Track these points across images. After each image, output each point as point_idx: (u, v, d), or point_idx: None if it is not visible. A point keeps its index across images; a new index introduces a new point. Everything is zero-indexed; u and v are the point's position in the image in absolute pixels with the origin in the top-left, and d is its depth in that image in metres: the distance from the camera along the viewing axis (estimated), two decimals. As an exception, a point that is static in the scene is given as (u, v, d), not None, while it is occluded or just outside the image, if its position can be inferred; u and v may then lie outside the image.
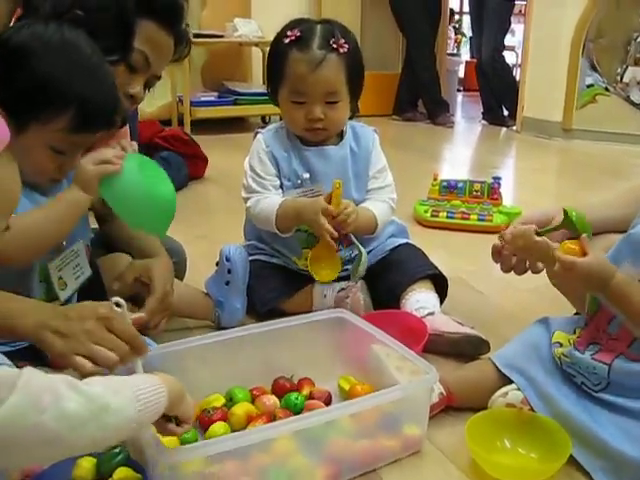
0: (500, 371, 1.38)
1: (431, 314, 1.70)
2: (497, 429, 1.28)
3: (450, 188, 2.83)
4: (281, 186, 1.81)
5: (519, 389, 1.34)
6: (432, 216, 2.73)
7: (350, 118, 1.84)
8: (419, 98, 5.88)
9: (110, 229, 1.67)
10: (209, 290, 1.78)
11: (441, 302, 1.80)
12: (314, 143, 1.80)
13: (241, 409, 1.32)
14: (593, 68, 5.03)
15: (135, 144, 1.38)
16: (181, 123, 4.98)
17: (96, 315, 1.10)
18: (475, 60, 6.36)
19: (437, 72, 5.76)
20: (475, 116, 6.13)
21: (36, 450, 0.81)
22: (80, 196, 1.27)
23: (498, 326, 1.82)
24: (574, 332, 1.35)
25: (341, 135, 1.84)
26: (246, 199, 1.81)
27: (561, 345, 1.33)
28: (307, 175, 1.79)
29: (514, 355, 1.38)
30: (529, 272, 1.51)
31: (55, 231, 1.28)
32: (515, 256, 1.50)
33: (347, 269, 1.82)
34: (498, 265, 1.56)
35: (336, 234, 1.68)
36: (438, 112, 5.70)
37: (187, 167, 3.38)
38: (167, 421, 1.03)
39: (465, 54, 8.82)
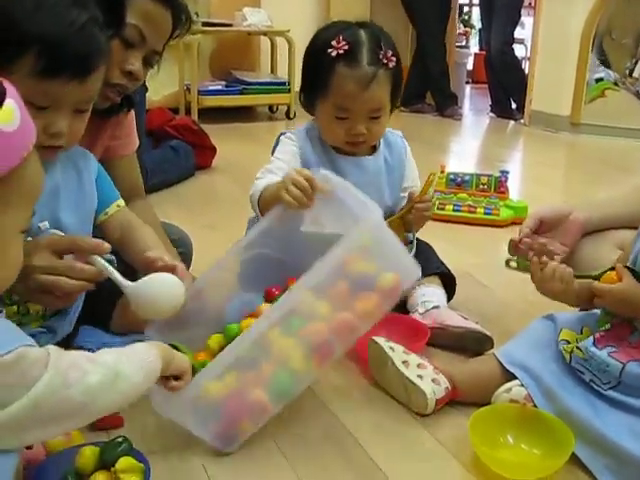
0: (504, 367, 1.37)
1: (436, 307, 1.70)
2: (500, 425, 1.28)
3: (457, 181, 2.82)
4: None
5: (523, 385, 1.33)
6: (438, 209, 2.72)
7: None
8: (428, 90, 5.86)
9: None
10: None
11: (449, 300, 1.80)
12: (346, 154, 1.73)
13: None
14: (602, 63, 5.01)
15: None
16: (189, 112, 4.98)
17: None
18: (484, 52, 6.32)
19: (447, 64, 5.74)
20: (483, 109, 6.10)
21: (64, 421, 0.89)
22: None
23: (503, 320, 1.82)
24: (581, 331, 1.34)
25: (374, 145, 1.78)
26: (257, 178, 1.67)
27: (568, 343, 1.33)
28: None
29: (518, 352, 1.38)
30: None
31: None
32: (532, 250, 1.50)
33: None
34: (503, 259, 1.57)
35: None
36: (447, 104, 5.68)
37: (195, 156, 3.37)
38: (166, 380, 1.09)
39: (474, 46, 8.78)
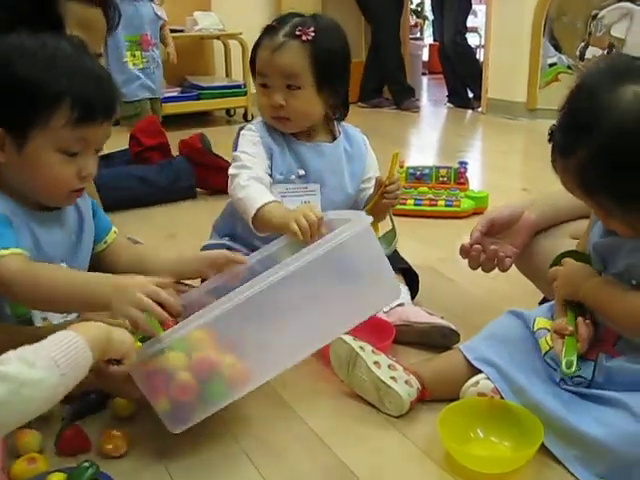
0: (471, 362, 1.38)
1: (401, 305, 1.70)
2: (469, 419, 1.28)
3: (416, 175, 2.83)
4: (271, 177, 1.73)
5: (489, 378, 1.34)
6: (400, 204, 2.71)
7: (340, 119, 1.84)
8: (384, 85, 5.88)
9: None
10: None
11: (413, 297, 1.80)
12: (307, 138, 1.79)
13: None
14: (555, 47, 5.06)
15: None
16: (145, 120, 4.93)
17: None
18: (438, 43, 6.36)
19: (402, 58, 5.76)
20: (441, 99, 6.12)
21: None
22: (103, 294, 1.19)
23: (470, 314, 1.82)
24: (552, 317, 1.35)
25: (333, 134, 1.83)
26: (232, 178, 1.69)
27: (548, 331, 1.32)
28: (302, 172, 1.76)
29: (484, 347, 1.38)
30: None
31: (63, 302, 1.22)
32: (483, 253, 1.51)
33: None
34: (460, 252, 1.58)
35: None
36: (404, 98, 5.69)
37: (197, 178, 3.09)
38: (107, 364, 1.09)
39: (428, 37, 8.81)
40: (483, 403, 1.30)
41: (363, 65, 5.91)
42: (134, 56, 4.43)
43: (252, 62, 1.80)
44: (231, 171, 1.71)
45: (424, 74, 7.54)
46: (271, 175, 1.74)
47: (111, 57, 4.23)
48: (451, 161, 3.24)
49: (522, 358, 1.34)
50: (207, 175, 3.03)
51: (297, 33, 1.71)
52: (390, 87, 5.84)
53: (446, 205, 2.69)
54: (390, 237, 1.76)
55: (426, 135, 5.18)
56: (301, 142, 1.78)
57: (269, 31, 1.75)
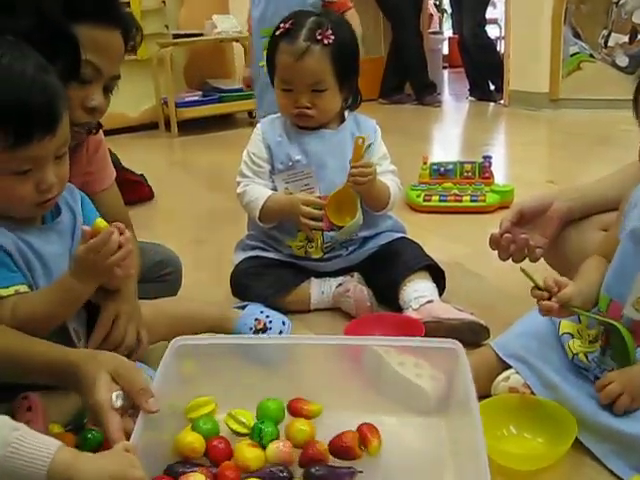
0: (501, 358, 1.37)
1: (430, 302, 1.70)
2: (502, 416, 1.28)
3: (440, 171, 2.82)
4: (273, 170, 1.86)
5: (519, 373, 1.33)
6: (425, 201, 2.72)
7: (353, 108, 1.91)
8: (406, 81, 5.86)
9: None
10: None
11: (440, 294, 1.80)
12: (312, 128, 1.85)
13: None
14: (576, 36, 5.01)
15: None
16: (168, 125, 4.97)
17: None
18: (457, 36, 6.32)
19: (424, 53, 5.73)
20: (462, 93, 6.09)
21: None
22: (75, 285, 1.24)
23: (498, 309, 1.81)
24: (579, 320, 1.34)
25: (341, 121, 1.89)
26: (237, 184, 1.88)
27: (572, 336, 1.32)
28: (299, 157, 1.83)
29: (515, 343, 1.37)
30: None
31: (60, 313, 1.27)
32: (514, 244, 1.50)
33: (339, 254, 1.88)
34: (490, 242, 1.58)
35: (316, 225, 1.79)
36: (425, 93, 5.68)
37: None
38: None
39: (447, 31, 8.76)
40: (515, 400, 1.29)
41: (383, 61, 5.90)
42: None
43: (270, 63, 1.85)
44: (237, 179, 1.89)
45: (445, 68, 7.52)
46: (273, 167, 1.85)
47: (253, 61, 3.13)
48: (475, 155, 3.22)
49: (553, 354, 1.33)
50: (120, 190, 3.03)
51: (318, 37, 1.75)
52: (412, 83, 5.82)
53: (471, 200, 2.68)
54: (353, 227, 1.84)
55: (449, 130, 5.17)
56: (303, 131, 1.86)
57: (287, 34, 1.78)
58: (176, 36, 4.94)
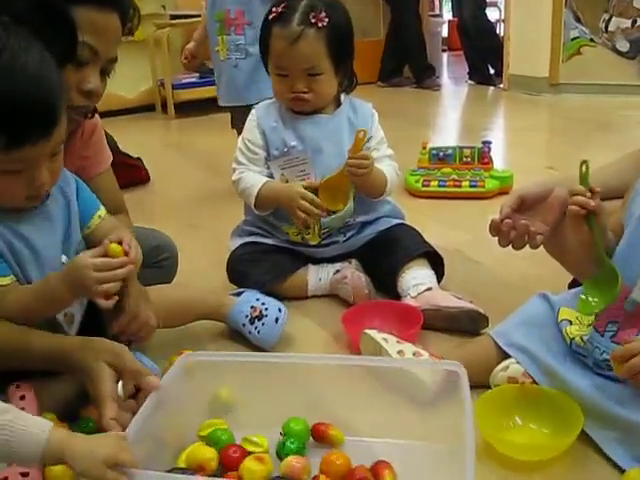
0: (501, 347, 1.36)
1: (429, 289, 1.69)
2: (506, 407, 1.26)
3: (439, 156, 2.79)
4: (268, 156, 1.84)
5: (519, 363, 1.32)
6: (423, 186, 2.70)
7: (348, 91, 1.89)
8: (405, 63, 5.81)
9: None
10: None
11: (439, 280, 1.78)
12: (307, 113, 1.83)
13: None
14: (577, 20, 4.97)
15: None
16: (165, 107, 4.93)
17: None
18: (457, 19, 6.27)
19: (423, 36, 5.68)
20: (461, 76, 6.05)
21: None
22: (59, 288, 1.21)
23: (497, 297, 1.80)
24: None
25: (337, 106, 1.87)
26: (233, 171, 1.86)
27: (571, 323, 1.30)
28: (294, 143, 1.81)
29: (515, 332, 1.36)
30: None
31: (43, 310, 1.25)
32: (514, 230, 1.48)
33: (337, 240, 1.87)
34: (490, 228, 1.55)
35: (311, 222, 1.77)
36: (424, 76, 5.63)
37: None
38: None
39: (447, 13, 8.70)
40: (519, 390, 1.28)
41: (381, 43, 5.85)
42: (223, 43, 2.84)
43: (263, 48, 1.82)
44: (232, 166, 1.87)
45: (444, 51, 7.46)
46: (268, 153, 1.83)
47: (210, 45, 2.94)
48: (474, 140, 3.19)
49: (552, 342, 1.32)
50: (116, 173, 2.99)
51: (312, 21, 1.72)
52: (411, 66, 5.78)
53: (470, 186, 2.66)
54: (345, 214, 1.82)
55: (448, 114, 5.13)
56: (298, 116, 1.83)
57: (280, 18, 1.74)
58: (173, 17, 4.89)
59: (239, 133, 2.84)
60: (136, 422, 1.06)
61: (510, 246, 1.57)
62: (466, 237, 2.26)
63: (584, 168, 1.27)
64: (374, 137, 1.86)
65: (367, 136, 1.77)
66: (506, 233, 1.52)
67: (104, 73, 1.43)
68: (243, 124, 2.74)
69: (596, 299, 1.26)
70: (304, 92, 1.77)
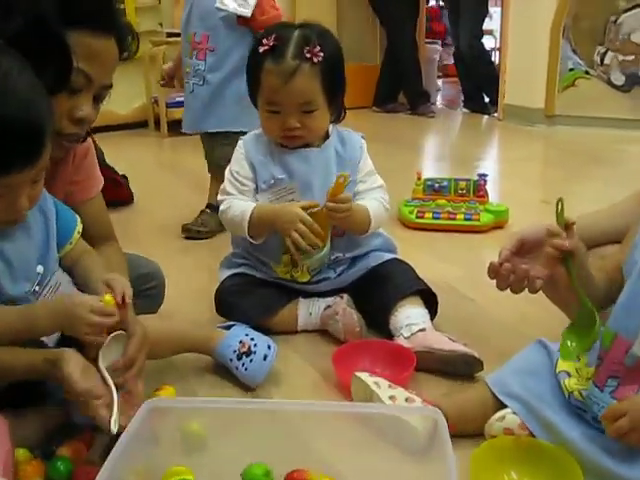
0: (497, 395, 1.31)
1: (422, 330, 1.64)
2: (501, 459, 1.21)
3: (434, 187, 2.76)
4: (257, 189, 1.78)
5: (515, 413, 1.28)
6: (417, 217, 2.66)
7: (337, 122, 1.82)
8: (400, 89, 5.81)
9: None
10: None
11: (432, 317, 1.74)
12: (293, 148, 1.76)
13: None
14: (573, 51, 4.98)
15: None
16: (158, 125, 4.89)
17: None
18: (453, 46, 6.28)
19: (419, 62, 5.68)
20: (456, 102, 6.05)
21: None
22: (40, 321, 1.19)
23: (492, 337, 1.76)
24: (578, 359, 1.28)
25: (325, 137, 1.80)
26: (220, 202, 1.79)
27: (569, 375, 1.26)
28: (282, 176, 1.75)
29: (511, 381, 1.31)
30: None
31: (16, 338, 1.21)
32: (513, 274, 1.44)
33: (328, 277, 1.81)
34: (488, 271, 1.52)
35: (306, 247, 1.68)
36: (419, 103, 5.62)
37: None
38: None
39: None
40: (515, 442, 1.23)
41: (377, 69, 5.85)
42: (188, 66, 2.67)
43: (252, 83, 1.74)
44: (218, 197, 1.81)
45: (439, 77, 7.47)
46: (257, 186, 1.77)
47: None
48: (467, 170, 3.16)
49: (550, 393, 1.27)
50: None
51: (307, 55, 1.65)
52: (406, 92, 5.77)
53: (465, 219, 2.62)
54: (322, 256, 1.73)
55: (442, 142, 5.11)
56: (287, 150, 1.76)
57: (272, 52, 1.67)
58: (170, 34, 4.85)
59: (205, 157, 2.82)
60: (102, 473, 1.00)
61: (508, 290, 1.54)
62: (459, 272, 2.22)
63: (559, 206, 1.25)
64: (362, 169, 1.80)
65: (348, 181, 1.69)
66: (505, 277, 1.48)
67: (97, 100, 1.38)
68: (209, 150, 2.75)
69: (574, 344, 1.23)
70: (296, 128, 1.70)
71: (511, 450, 1.23)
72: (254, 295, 1.76)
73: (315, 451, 1.20)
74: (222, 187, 1.80)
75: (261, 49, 1.68)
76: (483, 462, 1.19)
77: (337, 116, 1.80)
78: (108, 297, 1.23)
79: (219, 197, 1.80)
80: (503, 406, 1.30)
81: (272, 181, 1.75)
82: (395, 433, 1.24)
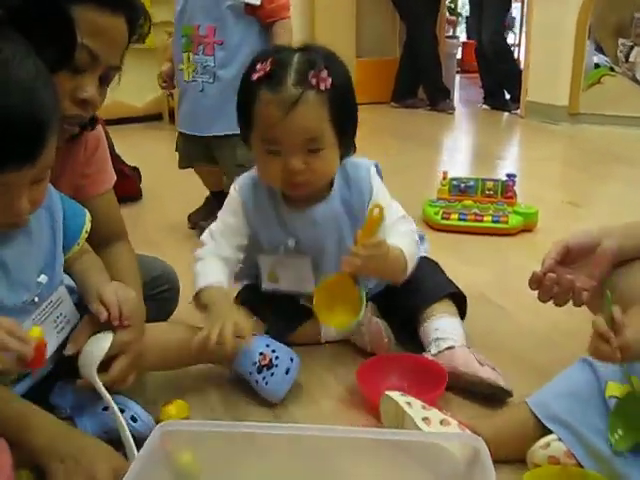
0: (539, 418, 1.21)
1: (450, 348, 1.51)
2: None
3: (460, 187, 2.65)
4: (256, 246, 1.57)
5: (561, 440, 1.17)
6: (443, 218, 2.55)
7: (346, 157, 1.54)
8: (419, 84, 5.70)
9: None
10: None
11: (461, 318, 1.62)
12: (295, 203, 1.52)
13: None
14: (598, 48, 4.86)
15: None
16: (172, 117, 4.80)
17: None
18: (473, 41, 6.17)
19: (439, 57, 5.57)
20: (475, 99, 5.93)
21: None
22: None
23: (526, 350, 1.64)
24: (628, 380, 1.17)
25: (331, 185, 1.53)
26: (202, 241, 1.55)
27: None
28: (291, 244, 1.53)
29: (556, 405, 1.20)
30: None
31: None
32: (557, 285, 1.33)
33: None
34: (519, 273, 1.41)
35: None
36: (439, 98, 5.51)
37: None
38: None
39: (461, 34, 8.60)
40: (561, 472, 1.13)
41: (396, 62, 5.74)
42: (188, 61, 2.50)
43: (244, 115, 1.45)
44: (202, 236, 1.56)
45: (457, 72, 7.35)
46: (260, 243, 1.56)
47: (174, 61, 2.61)
48: (488, 168, 3.05)
49: (599, 420, 1.16)
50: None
51: (312, 82, 1.37)
52: (425, 87, 5.67)
53: (493, 221, 2.50)
54: (354, 325, 1.52)
55: (462, 139, 4.98)
56: (290, 210, 1.52)
57: (269, 79, 1.38)
58: (184, 25, 4.76)
59: (185, 165, 2.61)
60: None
61: (551, 302, 1.43)
62: (488, 277, 2.12)
63: (608, 293, 1.13)
64: (375, 196, 1.53)
65: (384, 213, 1.40)
66: (549, 288, 1.37)
67: (104, 82, 1.27)
68: (196, 156, 2.54)
69: (621, 432, 1.12)
70: (300, 171, 1.40)
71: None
72: (274, 310, 1.60)
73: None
74: (209, 227, 1.57)
75: (254, 76, 1.39)
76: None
77: (346, 154, 1.51)
78: (36, 330, 1.05)
79: (203, 236, 1.56)
80: (546, 431, 1.19)
81: (279, 246, 1.54)
82: (431, 460, 1.15)
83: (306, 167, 1.40)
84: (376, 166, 1.59)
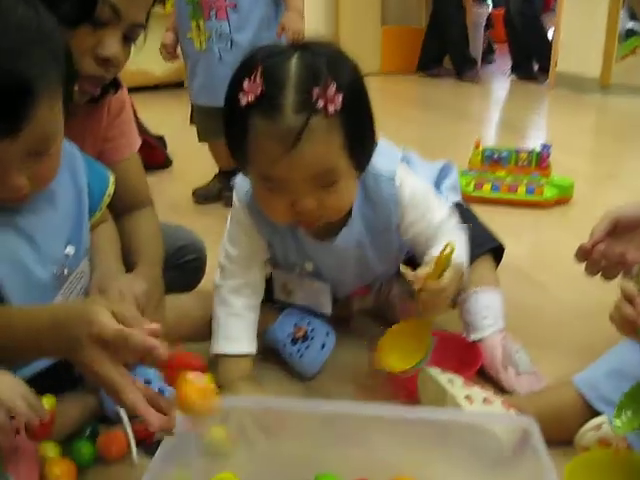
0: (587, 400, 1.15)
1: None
2: (597, 475, 1.05)
3: (493, 158, 2.57)
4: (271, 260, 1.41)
5: (613, 422, 1.10)
6: (475, 189, 2.47)
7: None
8: (445, 54, 5.59)
9: None
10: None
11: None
12: (313, 231, 1.30)
13: None
14: (631, 17, 4.71)
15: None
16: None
17: None
18: (500, 10, 6.04)
19: (466, 27, 5.47)
20: (502, 69, 5.81)
21: None
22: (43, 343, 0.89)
23: (568, 328, 1.58)
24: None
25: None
26: (217, 287, 1.36)
27: None
28: (310, 267, 1.37)
29: (605, 385, 1.14)
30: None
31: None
32: (605, 258, 1.26)
33: None
34: (555, 247, 1.33)
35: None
36: (466, 68, 5.42)
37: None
38: None
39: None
40: (613, 456, 1.06)
41: (422, 32, 5.64)
42: (198, 29, 2.37)
43: (235, 139, 1.15)
44: (216, 281, 1.37)
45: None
46: (274, 257, 1.39)
47: (180, 31, 2.47)
48: (516, 139, 2.96)
49: (655, 401, 1.10)
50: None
51: (319, 104, 1.06)
52: (452, 57, 5.57)
53: (527, 192, 2.42)
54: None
55: (489, 109, 4.89)
56: (309, 240, 1.32)
57: (262, 103, 1.06)
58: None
59: (204, 139, 2.54)
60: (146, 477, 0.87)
61: (598, 276, 1.36)
62: (523, 251, 2.04)
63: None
64: (409, 214, 1.29)
65: (454, 250, 1.13)
66: (597, 261, 1.31)
67: (127, 40, 1.18)
68: (214, 131, 2.29)
69: (630, 414, 1.04)
70: (312, 211, 1.15)
71: (608, 464, 1.06)
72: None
73: (382, 460, 1.04)
74: (219, 260, 1.38)
75: (243, 100, 1.07)
76: (577, 477, 1.03)
77: (363, 169, 1.22)
78: (50, 400, 0.97)
79: (220, 259, 1.37)
80: (594, 412, 1.13)
81: (296, 268, 1.39)
82: (474, 442, 1.09)
83: (319, 204, 1.15)
84: (404, 158, 1.35)
